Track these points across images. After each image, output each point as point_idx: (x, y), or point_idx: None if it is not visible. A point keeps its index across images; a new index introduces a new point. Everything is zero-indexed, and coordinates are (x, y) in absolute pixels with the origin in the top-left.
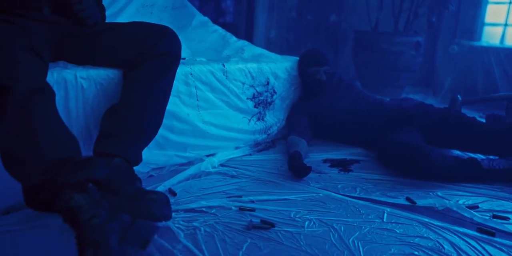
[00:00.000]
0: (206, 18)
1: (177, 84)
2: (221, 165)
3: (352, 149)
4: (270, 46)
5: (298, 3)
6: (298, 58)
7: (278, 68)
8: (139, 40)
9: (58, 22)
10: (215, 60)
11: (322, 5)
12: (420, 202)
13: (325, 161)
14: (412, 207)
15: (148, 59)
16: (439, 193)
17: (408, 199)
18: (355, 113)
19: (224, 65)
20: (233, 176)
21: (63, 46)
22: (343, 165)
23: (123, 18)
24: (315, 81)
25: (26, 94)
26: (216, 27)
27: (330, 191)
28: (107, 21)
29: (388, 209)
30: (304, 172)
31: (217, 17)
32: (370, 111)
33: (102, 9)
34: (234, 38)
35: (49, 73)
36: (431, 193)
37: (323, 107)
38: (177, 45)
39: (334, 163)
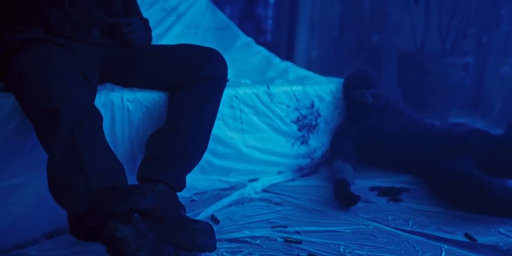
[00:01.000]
0: (249, 39)
1: (222, 107)
2: (264, 190)
3: (400, 176)
4: (311, 65)
5: (340, 22)
6: (343, 80)
7: (323, 90)
8: (185, 62)
9: (106, 44)
10: (260, 82)
11: (365, 24)
12: (481, 239)
13: (372, 188)
14: (472, 245)
15: (194, 82)
16: (501, 230)
17: (467, 235)
18: (404, 138)
19: (269, 88)
20: (276, 203)
21: (110, 68)
22: (392, 194)
23: (168, 39)
24: (361, 104)
25: (75, 118)
26: (260, 48)
27: (380, 223)
28: (153, 42)
29: (446, 247)
30: (352, 202)
31: (257, 36)
32: (419, 136)
33: (148, 31)
34: (277, 59)
35: (96, 96)
36: (492, 230)
37: (370, 131)
38: (224, 68)
39: (382, 192)
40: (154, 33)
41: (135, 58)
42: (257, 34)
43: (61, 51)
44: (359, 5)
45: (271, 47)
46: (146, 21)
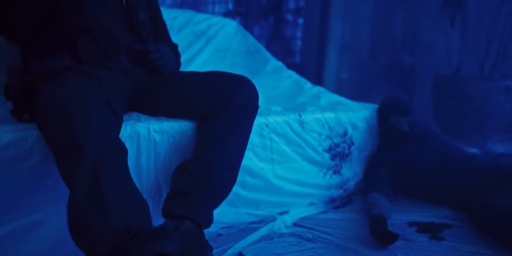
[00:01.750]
0: (280, 63)
1: (252, 136)
2: (295, 224)
3: (440, 210)
4: (341, 88)
5: (370, 44)
6: (377, 106)
7: (357, 117)
8: (214, 90)
9: (134, 71)
10: (291, 110)
11: (396, 46)
12: None
13: (410, 224)
14: None
15: (224, 111)
16: None
17: None
18: (444, 169)
19: (300, 115)
20: (308, 240)
21: (137, 96)
22: (433, 231)
23: (197, 63)
24: (397, 132)
25: (98, 154)
26: (290, 72)
27: None
28: (182, 66)
29: None
30: (390, 240)
31: (285, 57)
32: (461, 167)
33: (177, 56)
34: (309, 84)
35: (122, 127)
36: None
37: (406, 161)
38: (255, 96)
39: (422, 228)
40: (183, 58)
41: (163, 85)
42: (285, 55)
43: (88, 81)
44: (390, 27)
45: (300, 68)
46: (175, 47)
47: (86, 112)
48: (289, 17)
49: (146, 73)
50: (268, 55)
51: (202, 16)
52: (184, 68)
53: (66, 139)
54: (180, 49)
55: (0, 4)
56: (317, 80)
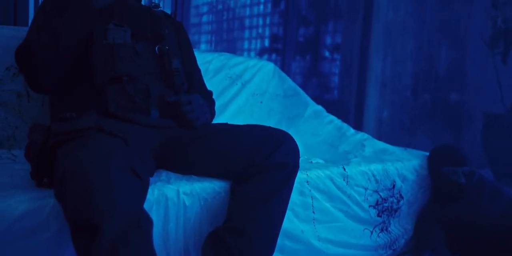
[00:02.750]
0: (320, 107)
1: (292, 195)
2: None
3: None
4: (382, 127)
5: (413, 81)
6: (427, 154)
7: (406, 168)
8: (252, 147)
9: (165, 125)
10: (334, 162)
11: (441, 83)
12: None
13: None
14: None
15: (261, 172)
16: None
17: None
18: (507, 225)
19: (344, 169)
20: None
21: (167, 152)
22: None
23: (232, 109)
24: (452, 184)
25: (118, 233)
26: (331, 117)
27: None
28: (217, 112)
29: None
30: None
31: (322, 94)
32: None
33: (211, 104)
34: (351, 130)
35: (149, 190)
36: None
37: (463, 217)
38: (296, 154)
39: None
40: (218, 103)
41: (195, 141)
42: (321, 91)
43: (112, 142)
44: (434, 63)
45: (338, 105)
46: (210, 93)
47: (106, 182)
48: (326, 53)
49: (177, 127)
50: (307, 98)
51: (237, 59)
52: (218, 114)
53: (82, 215)
54: (214, 94)
55: (25, 64)
56: (357, 118)
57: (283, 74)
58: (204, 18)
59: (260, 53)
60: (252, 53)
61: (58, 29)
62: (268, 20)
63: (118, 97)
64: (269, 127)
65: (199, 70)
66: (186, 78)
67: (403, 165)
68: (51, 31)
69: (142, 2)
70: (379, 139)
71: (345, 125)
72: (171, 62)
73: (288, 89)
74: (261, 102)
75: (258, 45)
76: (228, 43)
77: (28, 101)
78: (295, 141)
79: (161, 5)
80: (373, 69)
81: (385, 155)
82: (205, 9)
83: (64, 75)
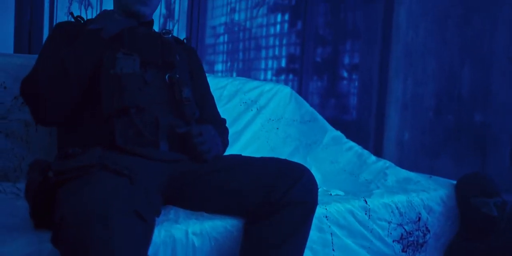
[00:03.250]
0: (338, 133)
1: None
2: None
3: None
4: (403, 150)
5: (435, 102)
6: (454, 182)
7: (432, 199)
8: (266, 183)
9: (174, 159)
10: (355, 193)
11: (465, 104)
12: None
13: None
14: None
15: (278, 210)
16: None
17: None
18: None
19: (366, 201)
20: None
21: (176, 188)
22: None
23: (246, 136)
24: (483, 217)
25: None
26: (351, 143)
27: None
28: (231, 139)
29: None
30: None
31: (339, 114)
32: None
33: (224, 132)
34: (372, 158)
35: (155, 231)
36: None
37: (495, 252)
38: (314, 191)
39: None
40: (232, 130)
41: (206, 176)
42: (339, 112)
43: (115, 181)
44: (457, 83)
45: (356, 126)
46: (223, 122)
47: (105, 231)
48: (344, 73)
49: (187, 161)
50: (326, 124)
51: (253, 83)
52: (233, 141)
53: None
54: (229, 120)
55: (31, 94)
56: (377, 140)
57: (300, 98)
58: (221, 39)
59: (277, 73)
60: (269, 73)
61: (66, 59)
62: (285, 40)
63: (126, 130)
64: (285, 160)
65: (212, 97)
66: (197, 106)
67: (429, 195)
68: (59, 61)
69: (156, 29)
70: (400, 161)
71: (365, 152)
72: (181, 91)
73: (306, 114)
74: (277, 128)
75: (275, 65)
76: (244, 63)
77: (36, 131)
78: (313, 176)
79: (176, 28)
80: (393, 90)
81: (409, 184)
82: (221, 29)
83: (70, 106)
